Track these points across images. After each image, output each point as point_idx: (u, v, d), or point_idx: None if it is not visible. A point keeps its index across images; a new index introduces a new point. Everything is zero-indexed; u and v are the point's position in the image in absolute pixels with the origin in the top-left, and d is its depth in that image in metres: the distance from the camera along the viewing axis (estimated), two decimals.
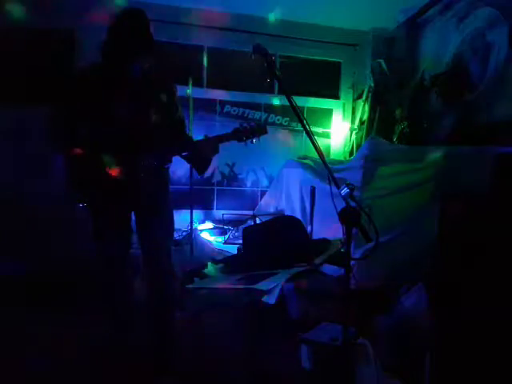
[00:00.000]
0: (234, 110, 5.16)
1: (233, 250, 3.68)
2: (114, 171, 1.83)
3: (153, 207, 1.97)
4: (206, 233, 4.47)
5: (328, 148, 5.43)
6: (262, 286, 2.50)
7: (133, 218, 2.04)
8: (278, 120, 5.29)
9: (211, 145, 1.94)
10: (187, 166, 3.47)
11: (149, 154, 1.87)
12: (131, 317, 2.05)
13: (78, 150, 1.85)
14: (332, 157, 5.27)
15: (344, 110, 5.46)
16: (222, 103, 5.13)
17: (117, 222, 1.95)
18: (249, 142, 1.98)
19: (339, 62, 5.47)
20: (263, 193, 5.14)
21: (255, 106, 5.23)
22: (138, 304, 2.09)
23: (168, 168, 2.06)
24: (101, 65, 1.87)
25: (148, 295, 2.07)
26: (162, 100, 1.95)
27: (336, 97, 5.51)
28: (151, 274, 2.03)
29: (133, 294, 2.09)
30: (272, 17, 4.76)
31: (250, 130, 1.97)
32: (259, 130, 1.98)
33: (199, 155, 2.02)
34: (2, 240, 3.29)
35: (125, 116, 1.83)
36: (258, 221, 4.00)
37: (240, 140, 1.97)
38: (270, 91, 5.16)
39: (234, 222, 4.53)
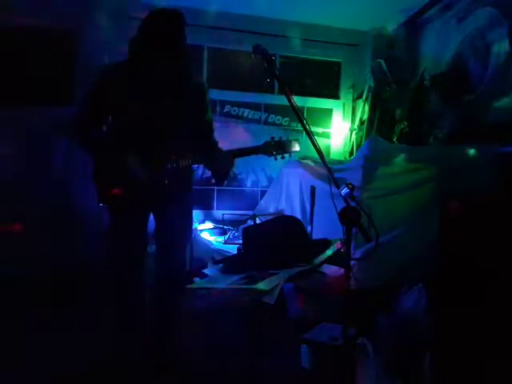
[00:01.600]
0: (234, 110, 5.16)
1: (233, 250, 3.68)
2: (137, 174, 1.79)
3: (174, 208, 1.96)
4: (206, 233, 4.47)
5: (328, 148, 5.42)
6: (262, 286, 2.50)
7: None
8: (278, 120, 5.29)
9: (228, 159, 1.87)
10: None
11: (173, 159, 1.83)
12: (141, 317, 2.04)
13: (103, 150, 1.83)
14: (332, 157, 5.26)
15: (344, 110, 5.46)
16: (222, 103, 5.13)
17: (137, 222, 1.94)
18: (279, 157, 1.84)
19: (339, 62, 5.47)
20: (263, 193, 5.14)
21: (255, 106, 5.23)
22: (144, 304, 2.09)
23: (193, 171, 2.04)
24: (128, 63, 1.84)
25: (157, 293, 2.06)
26: (191, 102, 1.91)
27: (336, 97, 5.50)
28: (164, 274, 2.03)
29: (144, 294, 2.08)
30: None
31: (283, 146, 1.82)
32: (292, 145, 1.83)
33: (217, 168, 1.97)
34: (2, 240, 3.29)
35: (151, 117, 1.81)
36: (258, 221, 4.00)
37: (270, 155, 1.83)
38: (270, 91, 5.17)
39: (234, 222, 4.52)
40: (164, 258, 2.03)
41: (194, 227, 3.97)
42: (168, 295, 2.04)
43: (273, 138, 1.84)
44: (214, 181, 2.05)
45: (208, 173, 4.96)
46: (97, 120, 1.87)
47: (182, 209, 2.02)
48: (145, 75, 1.81)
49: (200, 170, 4.98)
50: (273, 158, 1.83)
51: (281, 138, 1.85)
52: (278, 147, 1.82)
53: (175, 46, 1.78)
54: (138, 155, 1.80)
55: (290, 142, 1.85)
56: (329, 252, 2.90)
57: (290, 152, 1.84)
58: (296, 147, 1.85)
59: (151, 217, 2.05)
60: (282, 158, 1.86)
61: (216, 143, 2.07)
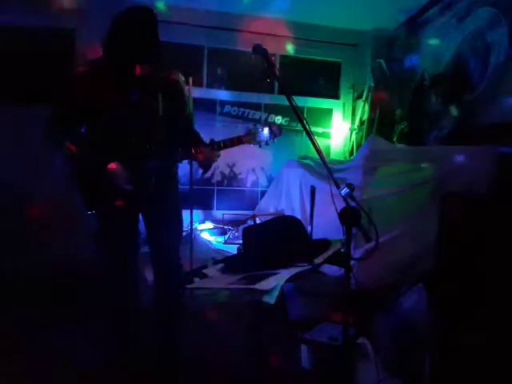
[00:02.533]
0: (234, 110, 5.16)
1: (233, 250, 3.68)
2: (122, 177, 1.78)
3: (162, 208, 1.95)
4: (206, 233, 4.47)
5: (328, 148, 5.43)
6: (262, 286, 2.50)
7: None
8: (278, 120, 5.29)
9: (210, 154, 1.88)
10: (187, 166, 3.47)
11: (157, 157, 1.82)
12: (139, 320, 2.03)
13: (82, 153, 1.82)
14: (332, 157, 5.27)
15: (344, 110, 5.46)
16: (222, 103, 5.13)
17: (125, 223, 1.92)
18: (263, 144, 1.89)
19: (339, 62, 5.47)
20: (263, 193, 5.14)
21: (255, 106, 5.23)
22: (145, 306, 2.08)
23: (177, 167, 2.04)
24: (103, 63, 1.81)
25: (155, 297, 2.05)
26: (169, 98, 1.89)
27: (336, 97, 5.51)
28: (159, 275, 2.02)
29: (140, 296, 2.07)
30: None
31: (264, 132, 1.88)
32: (274, 131, 1.89)
33: (202, 162, 1.97)
34: (2, 240, 3.29)
35: (130, 117, 1.79)
36: (258, 221, 4.00)
37: (254, 143, 1.88)
38: (270, 91, 5.17)
39: (234, 222, 4.53)
40: (157, 259, 2.02)
41: (194, 227, 3.96)
42: (165, 295, 2.04)
43: (255, 125, 1.90)
44: (200, 171, 2.05)
45: (208, 173, 4.99)
46: (74, 120, 1.84)
47: (170, 208, 1.99)
48: (120, 74, 1.79)
49: (200, 170, 4.98)
50: (257, 145, 1.89)
51: (263, 125, 1.90)
52: (261, 134, 1.87)
53: (148, 43, 1.76)
54: (120, 157, 1.78)
55: (272, 127, 1.90)
56: (329, 252, 2.91)
57: (272, 138, 1.89)
58: (278, 132, 1.90)
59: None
60: (267, 144, 1.90)
61: (198, 135, 2.06)
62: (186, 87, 2.02)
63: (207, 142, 1.94)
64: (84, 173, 1.86)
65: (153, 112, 1.84)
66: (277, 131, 1.90)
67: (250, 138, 1.88)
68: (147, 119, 1.83)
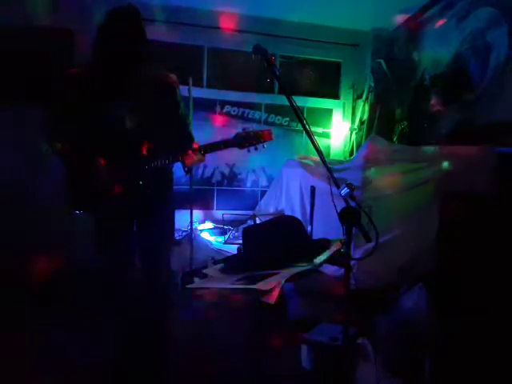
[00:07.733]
0: (234, 110, 5.16)
1: (233, 250, 3.68)
2: (112, 179, 1.79)
3: (152, 208, 1.95)
4: (206, 233, 4.47)
5: (328, 148, 5.43)
6: (262, 286, 2.50)
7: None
8: (278, 120, 5.29)
9: (197, 157, 1.85)
10: None
11: (147, 160, 1.82)
12: (138, 321, 2.02)
13: (74, 156, 1.81)
14: (332, 157, 5.27)
15: (344, 110, 5.46)
16: (222, 103, 5.13)
17: (119, 227, 1.92)
18: (252, 148, 1.82)
19: (339, 62, 5.47)
20: (263, 193, 5.14)
21: (255, 106, 5.23)
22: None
23: (171, 167, 2.03)
24: (93, 66, 1.82)
25: (144, 298, 2.04)
26: (160, 100, 1.88)
27: (336, 97, 5.51)
28: (147, 276, 2.01)
29: (137, 299, 2.06)
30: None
31: (254, 137, 1.81)
32: (263, 136, 1.81)
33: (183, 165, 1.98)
34: (2, 240, 3.29)
35: (120, 120, 1.79)
36: (258, 221, 4.00)
37: (242, 147, 1.81)
38: (270, 91, 5.17)
39: (234, 222, 4.52)
40: (144, 263, 2.01)
41: (194, 227, 3.96)
42: (151, 300, 2.00)
43: (244, 129, 1.83)
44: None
45: (208, 173, 4.99)
46: (65, 121, 1.84)
47: (161, 211, 1.98)
48: (108, 78, 1.79)
49: (200, 170, 4.99)
50: (246, 150, 1.82)
51: (253, 129, 1.83)
52: (250, 138, 1.81)
53: (132, 45, 1.75)
54: (110, 159, 1.79)
55: (262, 132, 1.83)
56: (329, 252, 2.91)
57: (262, 143, 1.82)
58: (268, 137, 1.82)
59: None
60: (256, 149, 1.83)
61: (190, 138, 2.03)
62: (181, 88, 2.00)
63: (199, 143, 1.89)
64: (74, 172, 1.86)
65: (141, 114, 1.83)
66: (267, 136, 1.82)
67: (238, 142, 1.82)
68: (136, 121, 1.82)
